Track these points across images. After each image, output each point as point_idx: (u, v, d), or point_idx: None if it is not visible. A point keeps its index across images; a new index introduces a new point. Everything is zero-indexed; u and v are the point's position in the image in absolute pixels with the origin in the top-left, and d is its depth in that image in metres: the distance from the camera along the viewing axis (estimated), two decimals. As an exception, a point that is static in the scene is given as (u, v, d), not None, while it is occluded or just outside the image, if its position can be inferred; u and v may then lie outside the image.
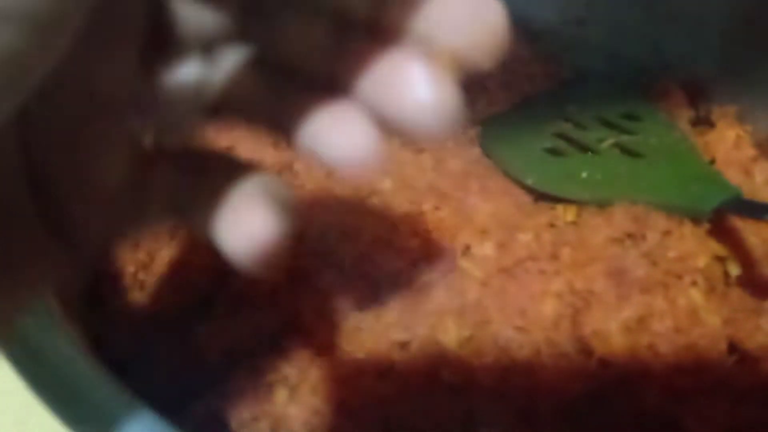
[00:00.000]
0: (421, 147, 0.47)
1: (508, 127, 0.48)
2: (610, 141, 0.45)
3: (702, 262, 0.38)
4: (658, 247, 0.38)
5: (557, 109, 0.49)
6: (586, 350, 0.37)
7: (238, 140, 0.42)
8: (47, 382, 0.24)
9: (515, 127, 0.48)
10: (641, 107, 0.48)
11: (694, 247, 0.39)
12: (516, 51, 0.53)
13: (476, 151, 0.48)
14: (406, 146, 0.46)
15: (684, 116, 0.48)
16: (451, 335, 0.36)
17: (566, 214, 0.41)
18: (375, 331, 0.37)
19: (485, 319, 0.37)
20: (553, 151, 0.46)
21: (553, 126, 0.48)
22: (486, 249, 0.39)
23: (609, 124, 0.46)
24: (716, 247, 0.39)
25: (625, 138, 0.45)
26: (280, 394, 0.34)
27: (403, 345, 0.36)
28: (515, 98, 0.52)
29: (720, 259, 0.39)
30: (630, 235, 0.38)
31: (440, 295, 0.38)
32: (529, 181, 0.43)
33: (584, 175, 0.43)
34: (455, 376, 0.36)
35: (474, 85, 0.52)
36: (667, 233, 0.39)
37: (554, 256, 0.39)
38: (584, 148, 0.45)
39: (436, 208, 0.40)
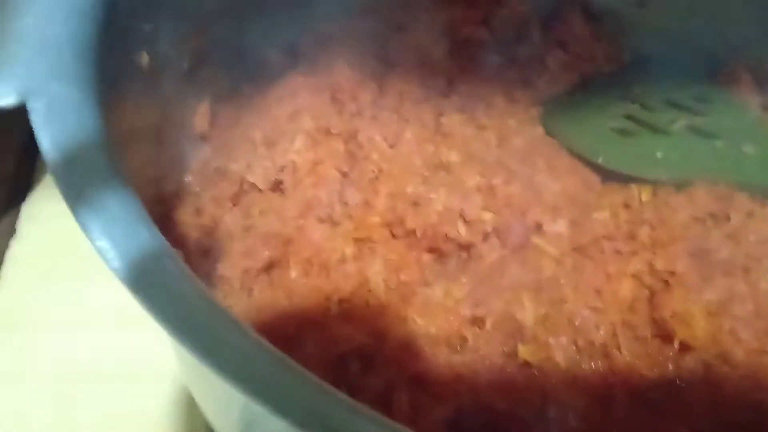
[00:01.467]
0: (483, 123, 0.45)
1: (573, 106, 0.47)
2: (681, 122, 0.43)
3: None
4: (742, 228, 0.37)
5: (622, 91, 0.47)
6: (664, 334, 0.36)
7: (303, 107, 0.41)
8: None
9: (580, 107, 0.47)
10: (710, 90, 0.46)
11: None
12: (577, 31, 0.52)
13: (539, 131, 0.46)
14: (468, 122, 0.45)
15: (753, 102, 0.47)
16: (527, 312, 0.35)
17: (642, 193, 0.40)
18: (446, 306, 0.35)
19: (561, 297, 0.36)
20: (623, 132, 0.44)
21: (619, 107, 0.46)
22: (559, 226, 0.38)
23: (678, 106, 0.45)
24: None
25: (697, 120, 0.43)
26: (354, 365, 0.32)
27: (477, 320, 0.35)
28: (575, 79, 0.50)
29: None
30: (713, 215, 0.37)
31: (515, 271, 0.36)
32: (600, 160, 0.42)
33: (659, 155, 0.41)
34: (531, 355, 0.34)
35: (534, 64, 0.51)
36: (750, 215, 0.37)
37: (631, 236, 0.38)
38: (655, 129, 0.44)
39: (506, 183, 0.39)
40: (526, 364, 0.34)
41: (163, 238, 0.21)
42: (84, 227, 0.20)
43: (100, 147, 0.23)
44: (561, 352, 0.35)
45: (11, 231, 0.53)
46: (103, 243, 0.20)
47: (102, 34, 0.28)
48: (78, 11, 0.27)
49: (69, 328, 0.46)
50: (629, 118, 0.45)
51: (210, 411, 0.34)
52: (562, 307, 0.36)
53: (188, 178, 0.42)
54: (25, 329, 0.47)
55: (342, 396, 0.17)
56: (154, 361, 0.45)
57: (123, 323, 0.45)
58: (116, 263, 0.20)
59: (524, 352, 0.34)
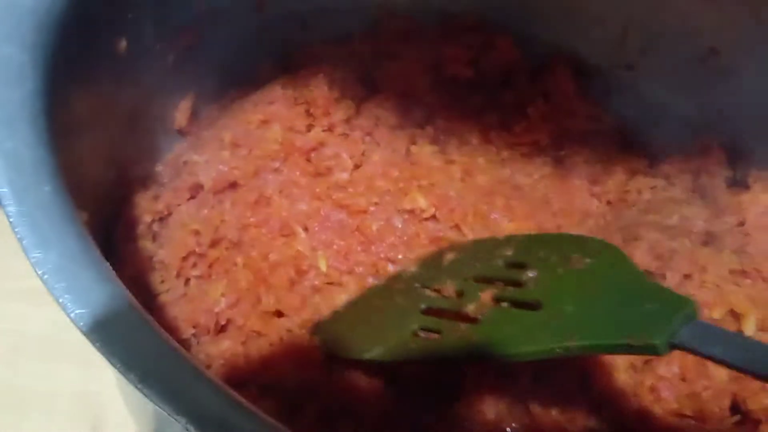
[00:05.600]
0: (452, 158, 0.46)
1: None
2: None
3: (717, 313, 0.37)
4: (677, 287, 0.37)
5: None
6: (585, 384, 0.36)
7: (276, 116, 0.42)
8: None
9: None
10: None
11: (713, 297, 0.37)
12: (562, 85, 0.53)
13: (506, 172, 0.47)
14: (437, 154, 0.46)
15: (721, 175, 0.47)
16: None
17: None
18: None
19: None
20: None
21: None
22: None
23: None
24: (734, 301, 0.38)
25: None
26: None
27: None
28: (554, 130, 0.51)
29: (735, 315, 0.38)
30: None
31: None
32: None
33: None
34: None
35: (515, 110, 0.52)
36: (687, 276, 0.37)
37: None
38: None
39: (451, 211, 0.40)
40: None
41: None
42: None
43: (35, 114, 0.24)
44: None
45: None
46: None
47: (74, 12, 0.29)
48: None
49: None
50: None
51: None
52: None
53: (159, 168, 0.43)
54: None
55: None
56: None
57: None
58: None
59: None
